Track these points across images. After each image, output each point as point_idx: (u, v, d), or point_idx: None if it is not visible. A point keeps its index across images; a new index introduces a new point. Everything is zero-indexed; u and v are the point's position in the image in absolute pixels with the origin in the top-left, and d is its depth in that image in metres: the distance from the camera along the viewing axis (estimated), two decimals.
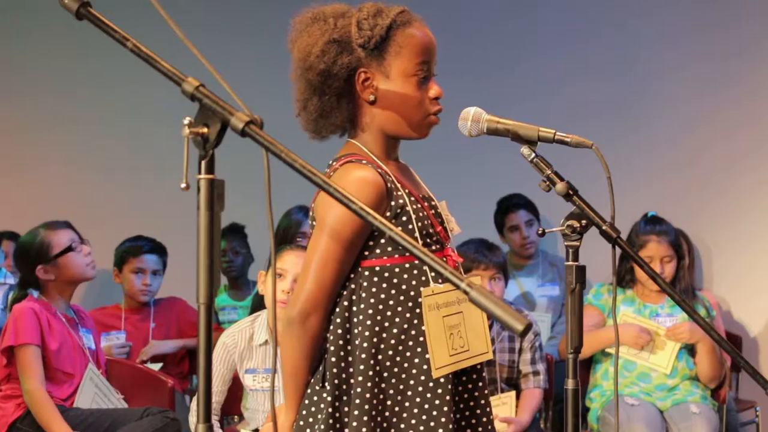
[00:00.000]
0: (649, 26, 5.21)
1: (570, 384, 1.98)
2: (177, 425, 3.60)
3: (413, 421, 1.87)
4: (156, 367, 4.27)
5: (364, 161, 1.90)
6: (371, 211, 1.35)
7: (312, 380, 1.90)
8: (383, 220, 1.36)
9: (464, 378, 1.96)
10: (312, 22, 1.93)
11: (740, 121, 5.01)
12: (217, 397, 3.39)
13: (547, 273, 4.97)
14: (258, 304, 3.67)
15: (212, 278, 1.36)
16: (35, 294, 3.75)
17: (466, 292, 1.29)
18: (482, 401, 1.98)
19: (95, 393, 3.72)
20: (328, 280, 1.86)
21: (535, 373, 3.87)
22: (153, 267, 4.53)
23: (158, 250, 4.58)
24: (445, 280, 1.38)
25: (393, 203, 1.88)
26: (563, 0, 5.46)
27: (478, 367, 1.98)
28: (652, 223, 4.15)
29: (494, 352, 3.85)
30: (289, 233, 4.44)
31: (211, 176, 1.36)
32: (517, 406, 3.83)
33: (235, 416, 3.81)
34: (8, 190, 5.52)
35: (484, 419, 1.98)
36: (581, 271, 1.98)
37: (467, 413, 1.96)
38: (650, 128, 5.15)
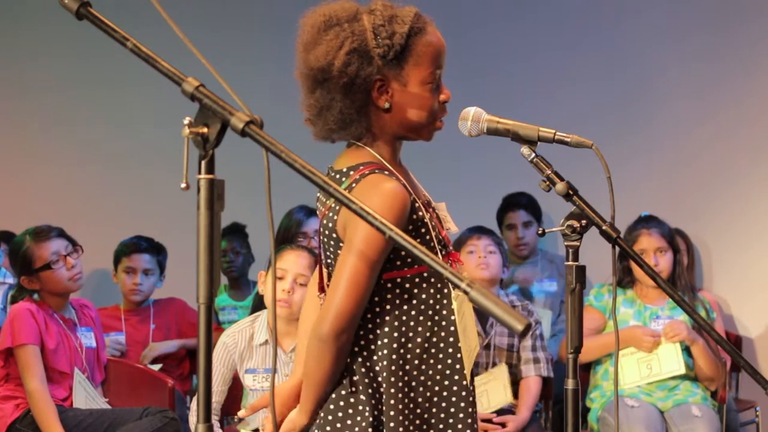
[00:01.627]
0: (648, 26, 5.21)
1: (570, 384, 1.99)
2: (177, 425, 3.60)
3: (441, 426, 1.91)
4: (156, 368, 4.26)
5: (386, 172, 1.88)
6: (375, 214, 1.35)
7: (339, 387, 1.91)
8: (386, 222, 1.35)
9: None
10: (326, 27, 1.86)
11: (739, 121, 5.01)
12: (217, 397, 3.39)
13: (545, 269, 4.97)
14: (258, 304, 3.67)
15: (212, 278, 1.36)
16: (34, 296, 3.76)
17: (466, 292, 1.29)
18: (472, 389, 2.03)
19: (86, 396, 3.72)
20: (359, 299, 1.84)
21: (536, 360, 3.89)
22: (144, 266, 4.47)
23: (152, 249, 4.52)
24: (446, 280, 1.38)
25: (414, 216, 1.88)
26: (562, 0, 5.46)
27: None
28: (644, 221, 4.18)
29: (492, 335, 3.92)
30: (290, 233, 4.44)
31: (211, 176, 1.36)
32: (517, 400, 3.85)
33: (235, 416, 3.81)
34: (8, 190, 5.51)
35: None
36: (581, 271, 1.98)
37: None
38: (650, 128, 5.14)
